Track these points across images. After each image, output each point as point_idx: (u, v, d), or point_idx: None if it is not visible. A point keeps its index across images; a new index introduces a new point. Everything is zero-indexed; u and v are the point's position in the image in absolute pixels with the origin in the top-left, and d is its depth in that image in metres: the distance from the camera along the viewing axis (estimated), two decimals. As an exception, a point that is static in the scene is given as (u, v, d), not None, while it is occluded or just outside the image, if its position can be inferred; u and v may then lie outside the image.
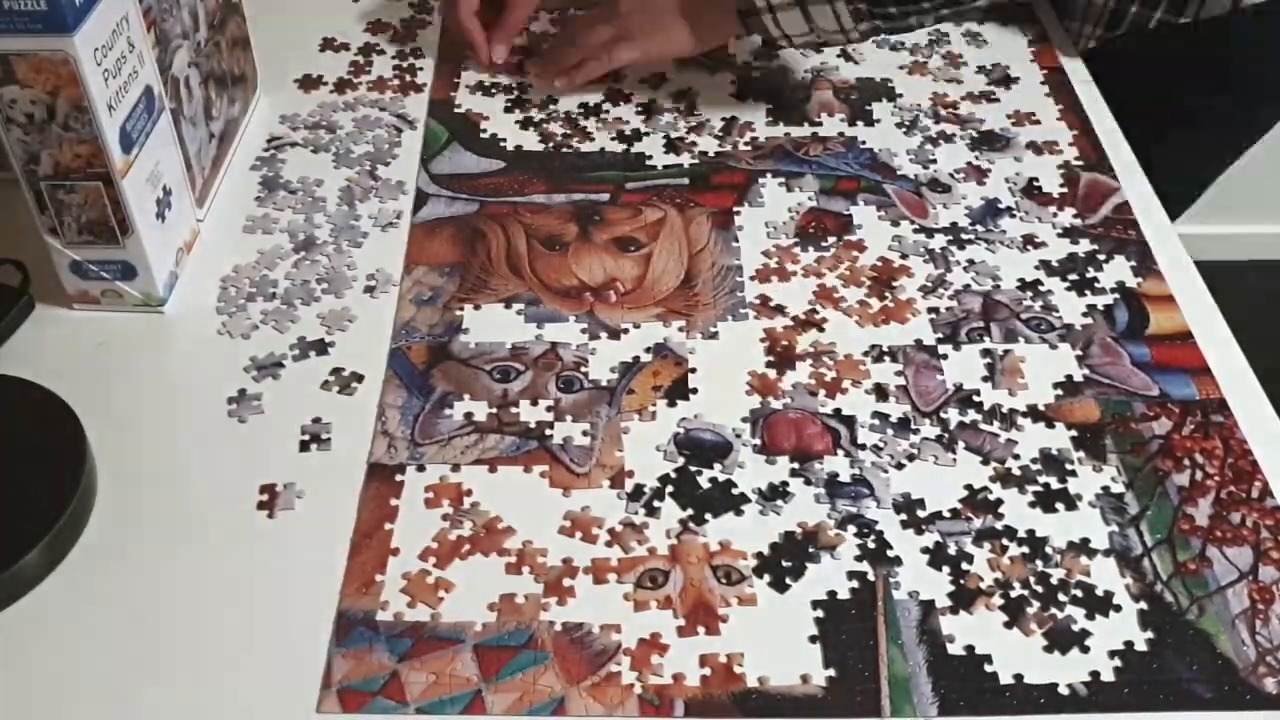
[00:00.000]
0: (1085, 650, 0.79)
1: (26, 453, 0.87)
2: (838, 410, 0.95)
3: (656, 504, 0.87)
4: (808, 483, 0.89)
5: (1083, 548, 0.85)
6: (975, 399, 0.95)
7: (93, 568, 0.83)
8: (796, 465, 0.90)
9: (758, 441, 0.92)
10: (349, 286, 1.04)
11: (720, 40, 1.24)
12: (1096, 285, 1.05)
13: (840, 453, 0.91)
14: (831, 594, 0.82)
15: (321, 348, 0.98)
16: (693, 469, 0.90)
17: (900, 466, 0.90)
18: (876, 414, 0.94)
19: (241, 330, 0.99)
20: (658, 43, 1.21)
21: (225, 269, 1.05)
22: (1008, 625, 0.80)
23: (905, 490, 0.88)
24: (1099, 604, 0.81)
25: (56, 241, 0.95)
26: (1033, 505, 0.87)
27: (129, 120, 0.92)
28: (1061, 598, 0.82)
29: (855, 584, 0.83)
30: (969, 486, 0.89)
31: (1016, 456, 0.91)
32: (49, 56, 0.84)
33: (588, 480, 0.89)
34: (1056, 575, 0.83)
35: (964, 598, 0.81)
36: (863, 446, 0.92)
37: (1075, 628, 0.80)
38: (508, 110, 1.25)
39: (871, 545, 0.85)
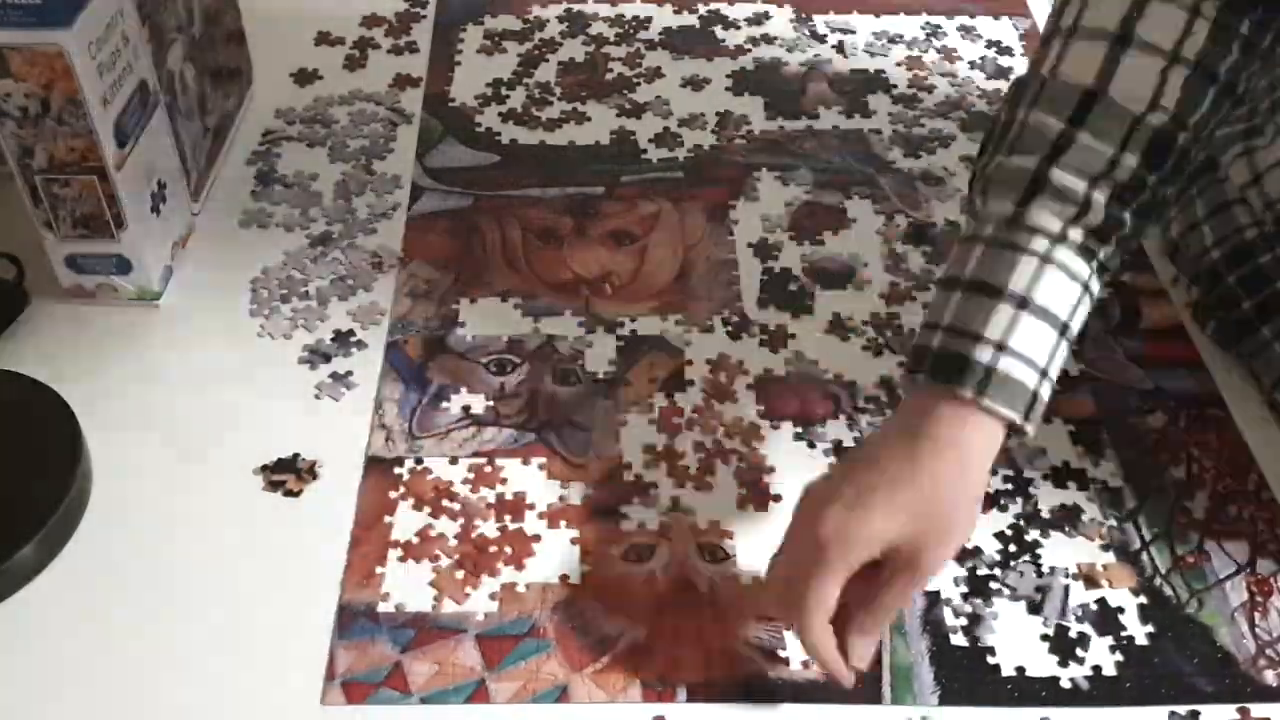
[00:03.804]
0: (1086, 645, 0.79)
1: (21, 447, 0.87)
2: (838, 375, 0.96)
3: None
4: (811, 445, 0.91)
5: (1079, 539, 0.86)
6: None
7: (89, 562, 0.83)
8: (800, 429, 0.92)
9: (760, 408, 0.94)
10: (375, 280, 1.04)
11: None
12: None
13: (842, 417, 0.93)
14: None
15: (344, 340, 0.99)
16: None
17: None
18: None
19: (282, 330, 0.99)
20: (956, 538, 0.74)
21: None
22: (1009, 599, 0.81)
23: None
24: (1099, 601, 0.82)
25: (51, 235, 0.95)
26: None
27: (123, 114, 0.91)
28: (1063, 592, 0.82)
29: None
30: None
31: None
32: (43, 50, 0.84)
33: (585, 472, 0.89)
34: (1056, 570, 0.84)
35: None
36: (863, 410, 0.93)
37: (1075, 628, 0.80)
38: (502, 102, 1.25)
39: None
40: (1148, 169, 0.74)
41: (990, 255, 0.74)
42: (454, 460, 0.90)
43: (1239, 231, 0.95)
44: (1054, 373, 0.74)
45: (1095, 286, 0.76)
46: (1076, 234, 0.73)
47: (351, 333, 0.99)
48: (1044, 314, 0.73)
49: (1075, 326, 0.75)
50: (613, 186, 1.15)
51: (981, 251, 0.75)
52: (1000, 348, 0.72)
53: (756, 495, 0.88)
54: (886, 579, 0.72)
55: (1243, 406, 0.94)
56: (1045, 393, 0.74)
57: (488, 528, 0.85)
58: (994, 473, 0.88)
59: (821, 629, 0.71)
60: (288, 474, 0.88)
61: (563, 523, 0.86)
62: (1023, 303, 0.72)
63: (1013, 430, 0.73)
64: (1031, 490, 0.88)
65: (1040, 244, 0.73)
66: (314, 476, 0.88)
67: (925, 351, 0.74)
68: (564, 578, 0.82)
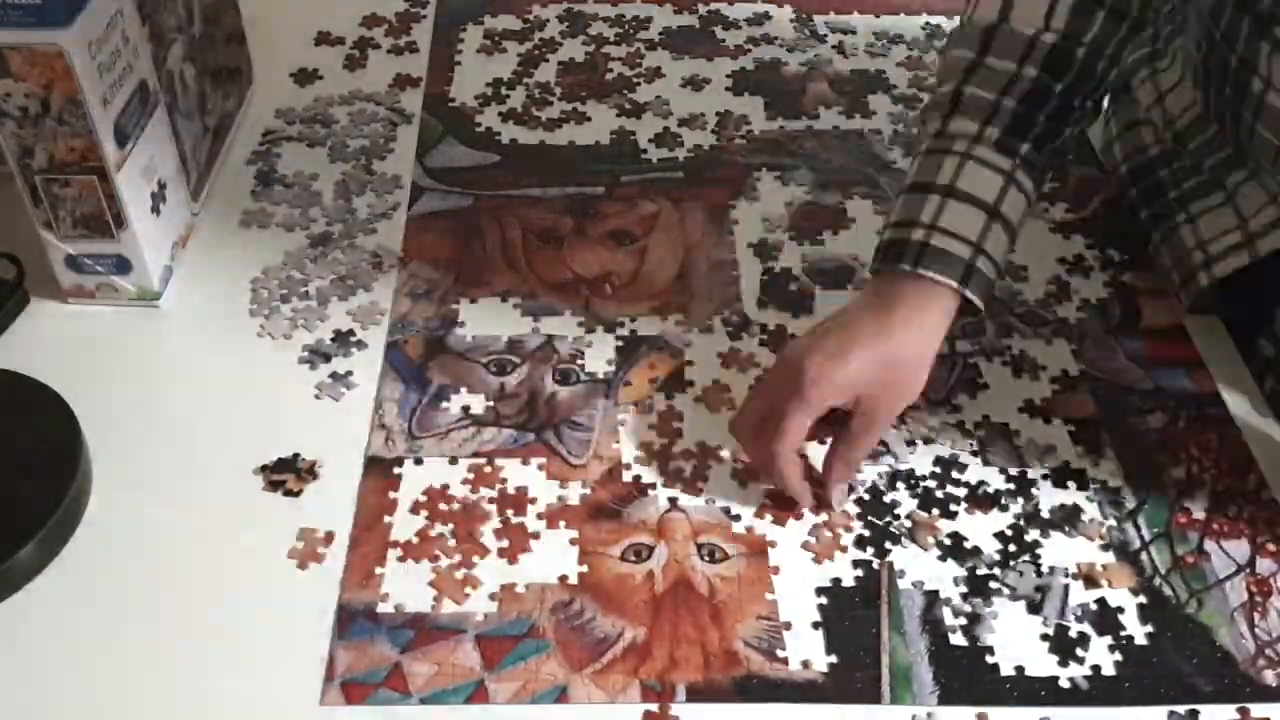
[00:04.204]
0: (1085, 645, 0.79)
1: (21, 447, 0.87)
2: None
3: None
4: (821, 442, 0.90)
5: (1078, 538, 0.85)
6: (979, 380, 0.96)
7: (89, 562, 0.83)
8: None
9: None
10: (375, 280, 1.04)
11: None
12: (1089, 280, 1.06)
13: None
14: (836, 581, 0.83)
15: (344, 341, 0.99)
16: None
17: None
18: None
19: (282, 330, 0.99)
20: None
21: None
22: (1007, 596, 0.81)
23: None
24: (1099, 600, 0.82)
25: (51, 235, 0.95)
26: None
27: (123, 114, 0.91)
28: (1063, 592, 0.82)
29: (860, 572, 0.83)
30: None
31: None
32: (43, 50, 0.84)
33: (585, 472, 0.89)
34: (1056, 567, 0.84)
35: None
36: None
37: (1075, 628, 0.80)
38: (502, 102, 1.25)
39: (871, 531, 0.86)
40: (1051, 78, 0.87)
41: (923, 162, 0.88)
42: (454, 460, 0.90)
43: (1143, 150, 1.08)
44: (994, 252, 0.85)
45: (1025, 180, 0.87)
46: (992, 132, 0.86)
47: (351, 333, 0.99)
48: (969, 199, 0.85)
49: (1010, 213, 0.86)
50: (613, 186, 1.15)
51: (919, 163, 0.89)
52: (932, 228, 0.84)
53: (757, 494, 0.88)
54: (854, 429, 0.84)
55: (1243, 406, 0.94)
56: (985, 267, 0.84)
57: (487, 528, 0.85)
58: (1001, 471, 0.89)
59: (790, 458, 0.84)
60: (288, 474, 0.88)
61: (562, 523, 0.86)
62: (949, 191, 0.85)
63: (965, 306, 0.84)
64: (1032, 490, 0.88)
65: (961, 145, 0.87)
66: (314, 476, 0.88)
67: (880, 246, 0.87)
68: (563, 578, 0.82)
